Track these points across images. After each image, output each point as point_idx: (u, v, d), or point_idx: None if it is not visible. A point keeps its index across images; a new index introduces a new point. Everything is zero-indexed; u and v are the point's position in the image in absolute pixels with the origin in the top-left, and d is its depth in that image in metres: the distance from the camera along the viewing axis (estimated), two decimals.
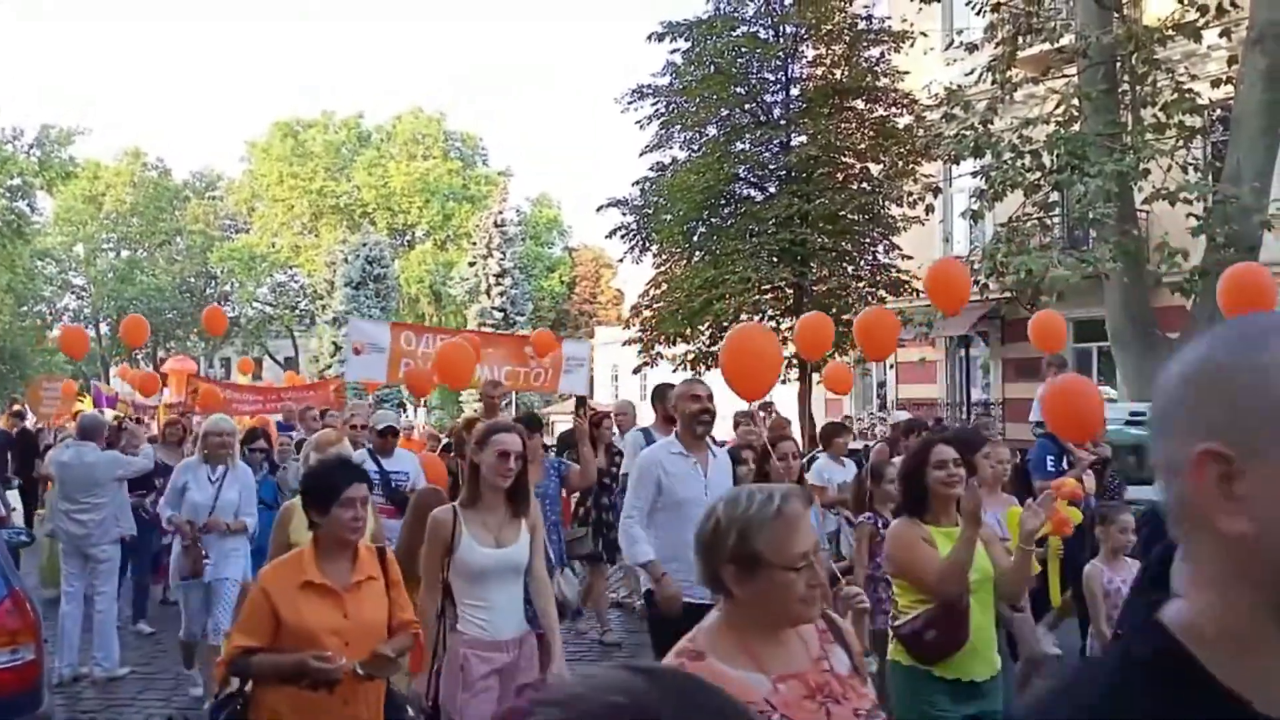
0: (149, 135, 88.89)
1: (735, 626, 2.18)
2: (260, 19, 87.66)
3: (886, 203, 19.30)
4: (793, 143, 20.15)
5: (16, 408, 15.70)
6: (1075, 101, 13.02)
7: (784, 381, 20.05)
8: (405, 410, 30.82)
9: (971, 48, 14.43)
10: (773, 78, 20.76)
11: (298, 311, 50.65)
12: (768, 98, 20.83)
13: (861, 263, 20.52)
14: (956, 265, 7.64)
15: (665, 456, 5.06)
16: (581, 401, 6.35)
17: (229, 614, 6.45)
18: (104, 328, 48.66)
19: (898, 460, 8.38)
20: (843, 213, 19.36)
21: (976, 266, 13.22)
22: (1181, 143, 12.49)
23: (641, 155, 21.87)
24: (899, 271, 19.86)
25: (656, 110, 21.25)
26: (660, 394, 7.69)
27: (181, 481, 6.63)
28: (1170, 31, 12.73)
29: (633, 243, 22.08)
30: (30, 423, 14.73)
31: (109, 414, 13.90)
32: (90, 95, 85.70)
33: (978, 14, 14.53)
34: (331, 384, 17.69)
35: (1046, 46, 13.88)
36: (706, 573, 2.21)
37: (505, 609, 4.01)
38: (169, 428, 10.21)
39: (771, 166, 20.55)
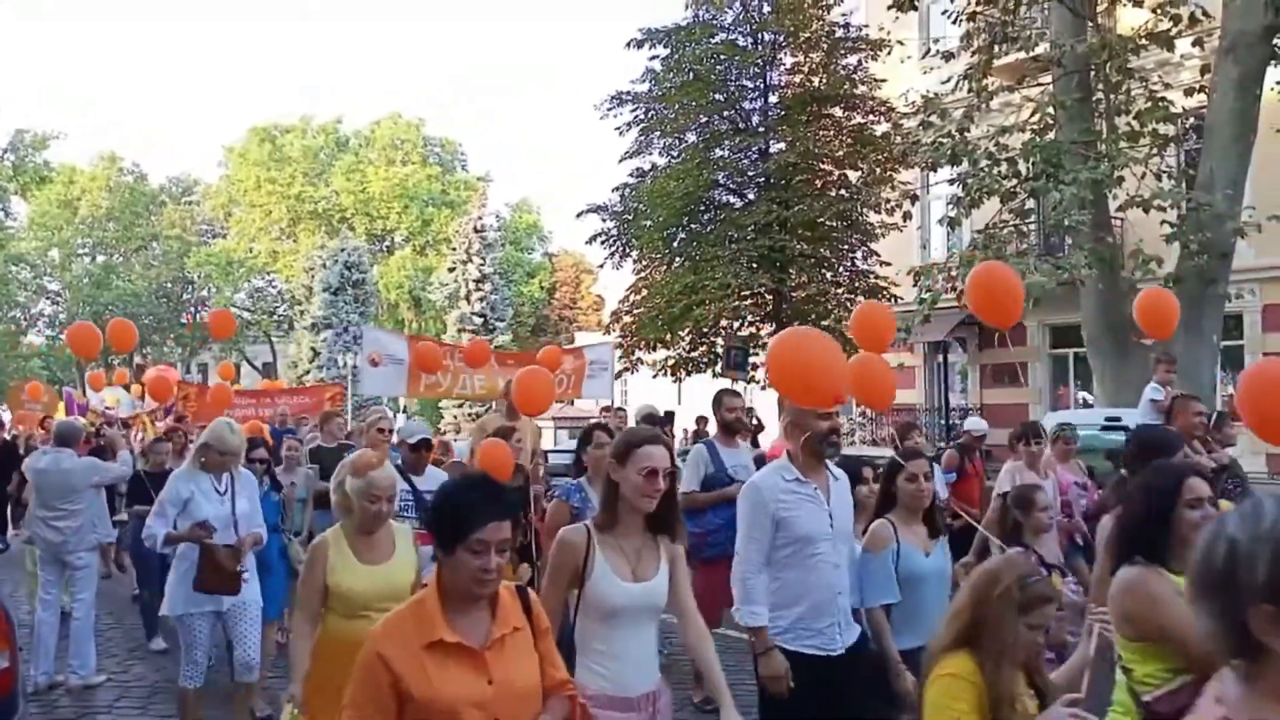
0: (136, 137, 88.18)
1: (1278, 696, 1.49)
2: (254, 19, 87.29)
3: (864, 209, 19.44)
4: (771, 150, 20.26)
5: None
6: (1050, 110, 13.13)
7: (764, 387, 20.17)
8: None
9: (948, 56, 14.54)
10: (751, 85, 20.86)
11: (276, 317, 50.39)
12: (746, 105, 20.93)
13: (840, 269, 20.64)
14: (1004, 271, 6.17)
15: (779, 485, 4.19)
16: (670, 417, 5.49)
17: (258, 644, 5.83)
18: None
19: (1014, 468, 7.41)
20: (821, 219, 19.49)
21: (954, 273, 13.33)
22: (1155, 150, 12.61)
23: (621, 161, 21.97)
24: (877, 278, 19.97)
25: (636, 116, 21.32)
26: (719, 401, 7.00)
27: (185, 493, 5.65)
28: (1144, 41, 12.86)
29: (613, 248, 22.13)
30: (7, 427, 14.59)
31: (81, 421, 13.77)
32: (88, 96, 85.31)
33: (954, 23, 14.65)
34: (327, 391, 17.20)
35: (1022, 55, 14.00)
36: (1218, 620, 1.55)
37: (638, 658, 3.31)
38: (170, 434, 9.93)
39: (750, 173, 20.65)
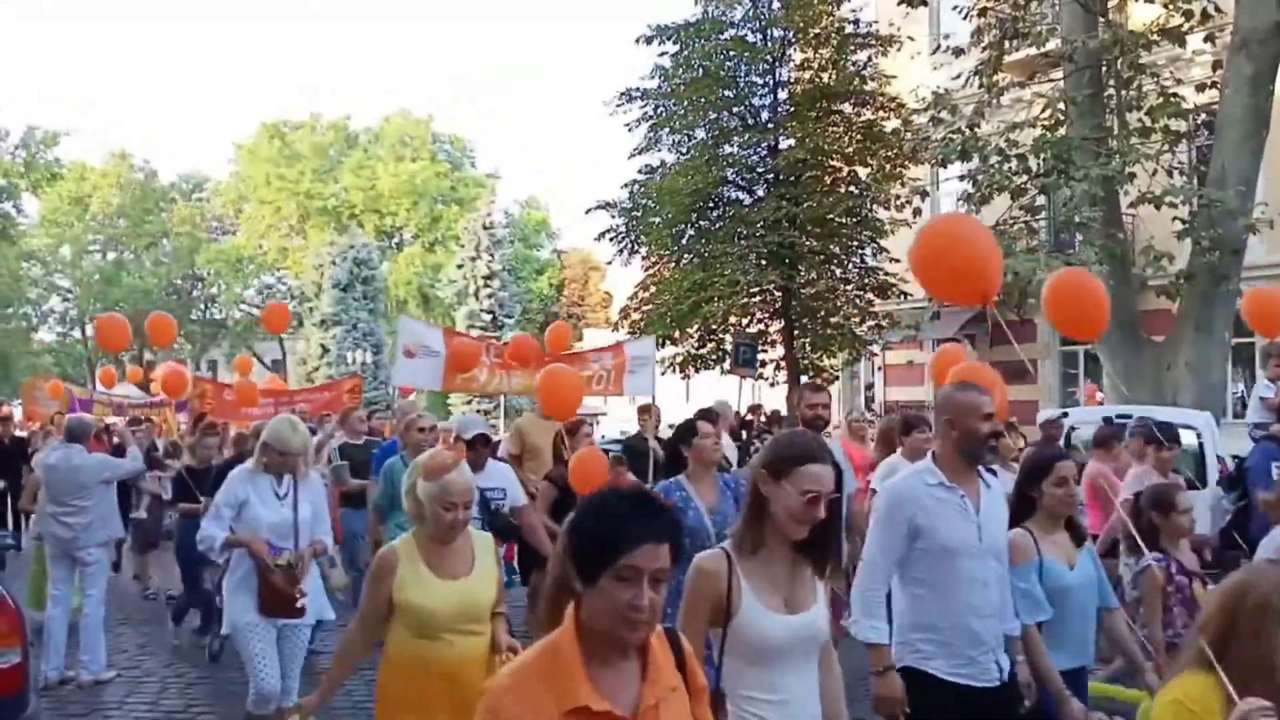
0: (138, 136, 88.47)
1: None
2: (257, 19, 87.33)
3: (874, 206, 19.39)
4: (781, 146, 20.21)
5: (5, 410, 15.55)
6: (1061, 105, 13.09)
7: (772, 384, 20.14)
8: None
9: (958, 52, 14.49)
10: (761, 81, 20.80)
11: None
12: (756, 101, 20.87)
13: (849, 265, 20.59)
14: (1088, 279, 5.76)
15: (921, 489, 3.70)
16: (770, 414, 5.21)
17: (298, 671, 5.32)
18: (89, 329, 48.43)
19: (1140, 473, 6.63)
20: (830, 216, 19.44)
21: None
22: (1166, 147, 12.57)
23: (630, 158, 21.92)
24: (886, 274, 19.93)
25: (645, 113, 21.28)
26: (801, 396, 6.75)
27: (242, 495, 5.19)
28: (1155, 36, 12.81)
29: (621, 245, 22.09)
30: (17, 422, 14.61)
31: (89, 418, 13.75)
32: (89, 96, 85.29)
33: (964, 18, 14.60)
34: (346, 384, 17.13)
35: (1033, 51, 13.95)
36: None
37: (804, 703, 2.81)
38: (208, 429, 9.88)
39: (760, 169, 20.61)
